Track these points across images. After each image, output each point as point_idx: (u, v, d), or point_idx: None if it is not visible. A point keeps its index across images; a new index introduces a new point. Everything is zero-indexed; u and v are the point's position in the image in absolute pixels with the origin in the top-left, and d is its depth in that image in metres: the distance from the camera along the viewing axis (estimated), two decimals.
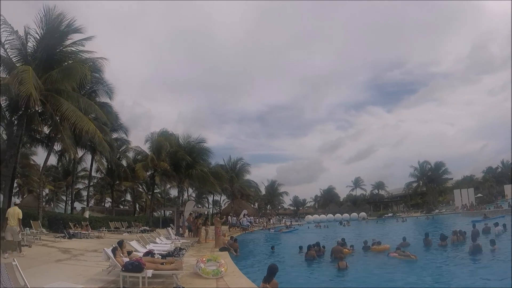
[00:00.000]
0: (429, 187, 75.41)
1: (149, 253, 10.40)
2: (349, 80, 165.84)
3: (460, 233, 18.13)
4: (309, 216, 72.22)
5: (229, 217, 38.31)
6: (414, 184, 78.94)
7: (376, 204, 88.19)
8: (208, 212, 42.23)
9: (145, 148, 35.90)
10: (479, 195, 67.31)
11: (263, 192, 78.32)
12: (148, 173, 34.37)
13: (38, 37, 17.73)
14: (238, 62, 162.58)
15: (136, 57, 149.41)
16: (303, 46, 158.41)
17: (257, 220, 52.55)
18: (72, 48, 18.86)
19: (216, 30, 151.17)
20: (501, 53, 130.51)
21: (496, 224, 20.13)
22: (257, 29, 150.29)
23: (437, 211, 63.71)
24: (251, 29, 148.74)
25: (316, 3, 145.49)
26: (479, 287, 9.63)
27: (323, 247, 17.04)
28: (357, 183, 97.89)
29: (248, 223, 40.54)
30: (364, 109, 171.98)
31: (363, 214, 68.50)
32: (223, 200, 66.44)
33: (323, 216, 68.15)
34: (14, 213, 12.68)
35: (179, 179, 28.49)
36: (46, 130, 24.01)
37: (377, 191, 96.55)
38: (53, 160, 38.24)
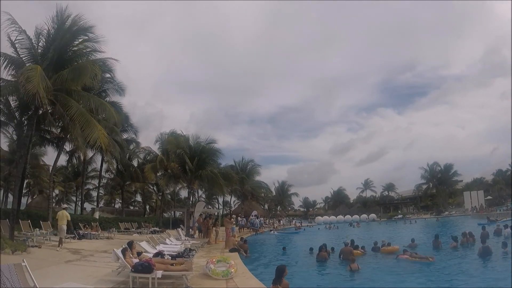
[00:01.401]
0: (439, 189, 74.88)
1: (159, 254, 10.32)
2: (361, 83, 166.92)
3: (470, 234, 18.00)
4: (319, 217, 71.97)
5: (239, 218, 38.13)
6: (424, 186, 78.49)
7: (386, 205, 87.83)
8: (218, 213, 42.15)
9: (155, 148, 36.02)
10: (489, 197, 67.32)
11: (274, 193, 78.28)
12: (158, 174, 34.38)
13: (50, 37, 17.75)
14: (250, 64, 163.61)
15: (149, 58, 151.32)
16: (315, 48, 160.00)
17: (267, 221, 52.43)
18: (83, 48, 18.86)
19: (229, 31, 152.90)
20: None
21: (506, 226, 19.85)
22: (269, 31, 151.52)
23: (446, 213, 63.57)
24: (264, 31, 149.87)
25: (329, 6, 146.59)
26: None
27: (332, 248, 17.03)
28: (367, 184, 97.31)
29: (260, 223, 40.41)
30: (375, 112, 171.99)
31: (373, 215, 68.50)
32: (234, 201, 66.44)
33: (333, 217, 68.00)
34: (63, 215, 16.18)
35: (188, 180, 28.38)
36: (56, 130, 24.09)
37: (387, 193, 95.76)
38: (62, 160, 38.49)
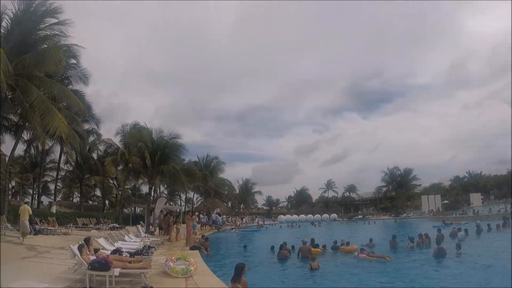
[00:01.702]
0: (398, 192, 78.03)
1: (117, 251, 10.10)
2: (329, 86, 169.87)
3: (426, 236, 18.59)
4: (282, 216, 73.08)
5: (201, 215, 37.88)
6: (384, 189, 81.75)
7: (347, 206, 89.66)
8: (180, 210, 41.74)
9: (117, 141, 35.18)
10: (446, 201, 70.84)
11: (237, 191, 78.18)
12: (119, 168, 33.66)
13: (15, 18, 17.02)
14: (221, 59, 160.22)
15: (117, 47, 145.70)
16: (288, 49, 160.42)
17: (230, 219, 52.43)
18: (48, 32, 18.17)
19: (203, 25, 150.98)
20: (478, 72, 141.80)
21: (459, 229, 20.79)
22: (244, 29, 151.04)
23: (405, 215, 65.90)
24: (239, 28, 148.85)
25: (304, 10, 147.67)
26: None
27: (292, 247, 17.21)
28: (329, 185, 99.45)
29: (223, 221, 40.37)
30: (342, 115, 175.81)
31: (334, 215, 70.24)
32: (196, 198, 65.95)
33: (295, 216, 69.19)
34: (25, 210, 15.78)
35: (149, 176, 27.90)
36: (15, 118, 23.10)
37: (348, 194, 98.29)
38: (20, 149, 36.75)
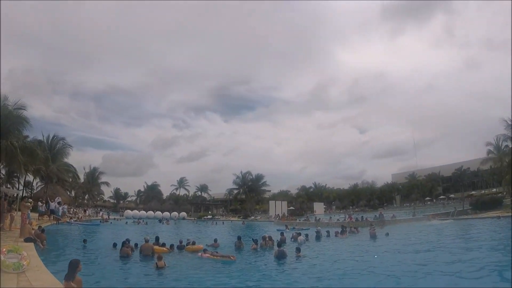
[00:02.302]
0: (248, 195, 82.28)
1: None
2: (197, 83, 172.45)
3: (270, 238, 19.45)
4: (129, 211, 70.26)
5: (39, 203, 33.84)
6: (235, 191, 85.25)
7: (198, 205, 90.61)
8: (18, 194, 36.65)
9: None
10: (292, 208, 76.92)
11: (82, 180, 71.51)
12: None
13: None
14: (89, 28, 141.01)
15: None
16: (163, 37, 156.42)
17: (72, 209, 48.55)
18: None
19: None
20: (337, 98, 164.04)
21: (299, 234, 22.63)
22: (122, 7, 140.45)
23: (252, 217, 69.31)
24: (115, 5, 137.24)
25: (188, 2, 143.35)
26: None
27: (135, 245, 16.86)
28: (181, 183, 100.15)
29: (63, 211, 37.01)
30: (204, 114, 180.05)
31: (183, 213, 70.09)
32: (37, 183, 58.82)
33: (143, 212, 67.39)
34: None
35: None
36: None
37: (200, 193, 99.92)
38: None
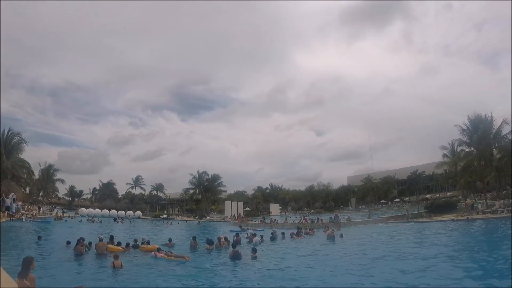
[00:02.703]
0: (204, 196, 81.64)
1: None
2: (155, 81, 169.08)
3: (226, 239, 19.63)
4: (84, 209, 68.64)
5: None
6: (191, 191, 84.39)
7: (153, 204, 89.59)
8: None
9: None
10: (247, 208, 77.80)
11: (36, 176, 68.73)
12: None
13: None
14: (50, 23, 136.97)
15: None
16: (122, 33, 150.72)
17: (26, 206, 47.39)
18: None
19: None
20: (294, 100, 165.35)
21: (254, 235, 22.98)
22: (84, 4, 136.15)
23: (208, 217, 68.95)
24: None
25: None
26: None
27: (90, 243, 16.67)
28: (137, 181, 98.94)
29: (17, 208, 35.85)
30: (161, 113, 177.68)
31: (138, 213, 69.54)
32: None
33: (98, 210, 66.52)
34: None
35: None
36: None
37: (156, 193, 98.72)
38: None
